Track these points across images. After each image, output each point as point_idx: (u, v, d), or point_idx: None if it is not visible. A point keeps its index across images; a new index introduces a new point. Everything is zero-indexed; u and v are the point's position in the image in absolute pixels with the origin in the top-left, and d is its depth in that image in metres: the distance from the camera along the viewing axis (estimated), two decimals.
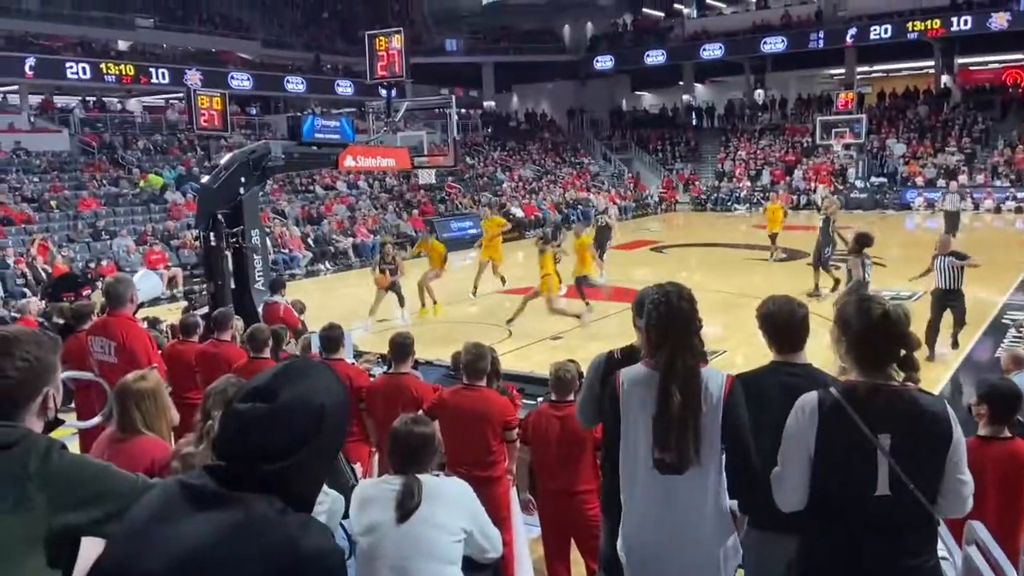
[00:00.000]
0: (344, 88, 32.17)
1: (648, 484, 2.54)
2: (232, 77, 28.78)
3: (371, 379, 5.27)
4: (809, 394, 2.29)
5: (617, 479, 2.67)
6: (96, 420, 4.26)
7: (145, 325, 6.98)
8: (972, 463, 2.35)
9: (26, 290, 14.17)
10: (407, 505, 2.58)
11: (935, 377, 8.29)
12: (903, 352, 2.24)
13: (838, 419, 2.20)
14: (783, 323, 2.81)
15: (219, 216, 8.86)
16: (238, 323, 6.70)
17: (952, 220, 18.42)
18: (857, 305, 2.31)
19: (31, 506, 1.54)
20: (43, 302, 11.01)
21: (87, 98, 26.91)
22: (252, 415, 1.34)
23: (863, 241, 9.37)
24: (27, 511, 1.53)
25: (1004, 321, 10.79)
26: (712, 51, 34.38)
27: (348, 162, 10.65)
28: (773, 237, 16.92)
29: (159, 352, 5.22)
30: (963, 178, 27.16)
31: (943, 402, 2.26)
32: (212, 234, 8.87)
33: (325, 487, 2.70)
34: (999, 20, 28.46)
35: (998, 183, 26.35)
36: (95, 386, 4.52)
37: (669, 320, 2.55)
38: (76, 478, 1.63)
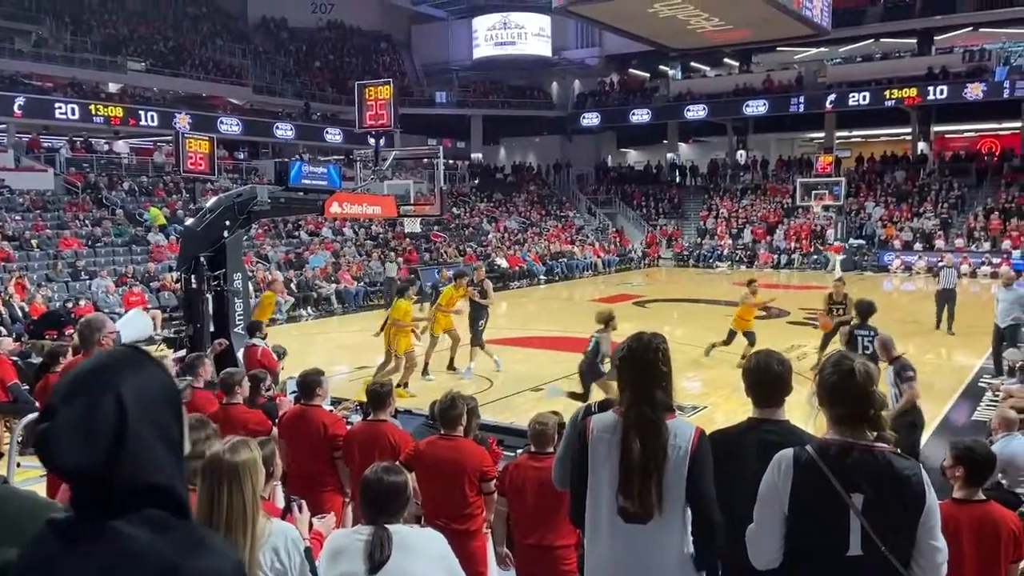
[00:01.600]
0: (333, 136, 32.48)
1: (612, 532, 2.53)
2: (221, 122, 29.00)
3: (348, 427, 5.22)
4: (786, 450, 2.31)
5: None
6: None
7: None
8: (947, 526, 2.35)
9: (1, 328, 13.96)
10: (376, 556, 2.52)
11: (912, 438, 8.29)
12: (871, 410, 2.26)
13: (812, 476, 2.21)
14: (762, 379, 2.82)
15: (201, 259, 8.84)
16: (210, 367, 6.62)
17: (945, 301, 14.86)
18: (833, 360, 2.35)
19: None
20: (23, 339, 10.86)
21: (74, 138, 26.97)
22: (43, 439, 1.17)
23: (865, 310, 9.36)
24: None
25: (980, 385, 10.87)
26: (696, 112, 35.14)
27: (334, 208, 10.69)
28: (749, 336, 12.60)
29: None
30: (940, 243, 27.67)
31: (918, 466, 2.27)
32: (193, 276, 8.83)
33: (272, 519, 2.63)
34: (974, 91, 29.37)
35: (974, 247, 26.82)
36: None
37: (633, 368, 2.58)
38: (12, 509, 1.56)
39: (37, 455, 1.22)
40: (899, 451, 2.34)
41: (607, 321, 8.93)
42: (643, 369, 2.56)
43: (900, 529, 2.17)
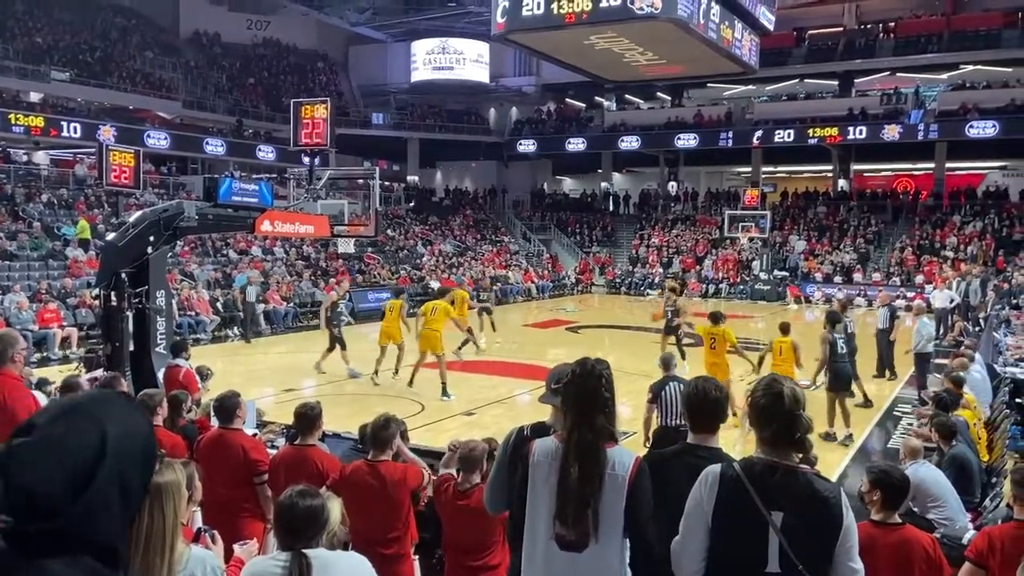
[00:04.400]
0: (266, 153, 31.93)
1: (548, 558, 2.51)
2: (149, 135, 28.19)
3: (272, 451, 5.07)
4: (713, 466, 2.37)
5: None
6: None
7: (33, 386, 6.56)
8: (864, 548, 2.41)
9: None
10: None
11: (832, 462, 8.55)
12: (797, 433, 2.32)
13: (735, 492, 2.26)
14: (697, 405, 2.87)
15: (123, 275, 8.53)
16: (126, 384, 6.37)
17: (880, 343, 13.77)
18: (764, 383, 2.42)
19: None
20: None
21: None
22: (10, 454, 1.08)
23: (833, 319, 10.07)
24: None
25: (896, 412, 11.30)
26: (629, 142, 35.90)
27: (265, 227, 10.48)
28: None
29: None
30: (858, 276, 28.79)
31: (838, 488, 2.33)
32: (114, 293, 8.51)
33: (191, 545, 2.53)
34: (891, 132, 30.84)
35: (895, 280, 27.90)
36: None
37: (575, 394, 2.57)
38: None
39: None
40: (820, 474, 2.41)
41: None
42: (586, 395, 2.55)
43: (817, 549, 2.22)
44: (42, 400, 5.02)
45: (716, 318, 10.09)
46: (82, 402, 1.20)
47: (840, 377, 9.73)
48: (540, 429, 3.14)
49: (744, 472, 2.28)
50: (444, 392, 11.63)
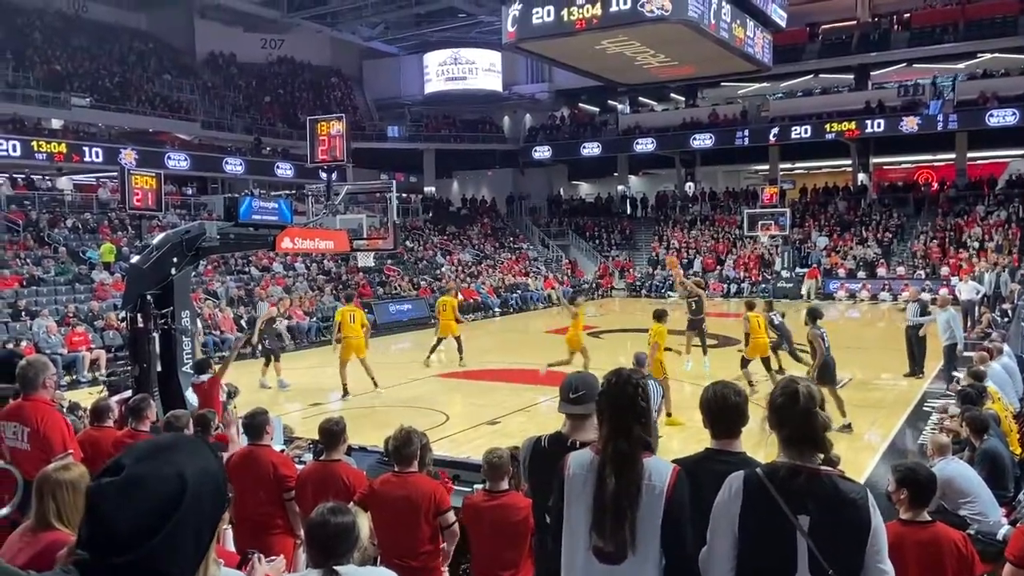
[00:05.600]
0: (284, 170, 32.23)
1: (586, 572, 2.49)
2: (169, 157, 28.57)
3: (299, 467, 5.12)
4: (737, 472, 2.35)
5: (557, 566, 2.62)
6: (4, 511, 4.01)
7: (64, 410, 6.68)
8: (893, 547, 2.39)
9: None
10: None
11: (861, 462, 8.47)
12: (814, 431, 2.31)
13: (761, 498, 2.25)
14: (718, 409, 2.82)
15: (148, 297, 8.64)
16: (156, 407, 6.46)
17: (911, 339, 13.45)
18: (781, 384, 2.41)
19: None
20: None
21: (15, 175, 26.28)
22: (100, 492, 1.18)
23: (815, 314, 10.35)
24: None
25: (925, 408, 11.16)
26: (644, 145, 35.83)
27: (286, 244, 10.57)
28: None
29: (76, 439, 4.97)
30: (881, 270, 28.50)
31: (864, 490, 2.31)
32: (139, 315, 8.63)
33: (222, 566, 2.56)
34: (909, 124, 30.53)
35: (920, 273, 27.59)
36: (8, 475, 4.27)
37: (610, 404, 2.55)
38: None
39: (87, 507, 1.20)
40: (845, 475, 2.39)
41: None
42: (622, 405, 2.54)
43: (846, 552, 2.21)
44: (74, 424, 5.10)
45: (656, 316, 10.75)
46: (166, 445, 1.28)
47: (827, 369, 9.92)
48: (556, 439, 3.13)
49: (768, 477, 2.27)
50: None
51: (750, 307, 12.28)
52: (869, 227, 31.38)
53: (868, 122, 31.27)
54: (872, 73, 34.09)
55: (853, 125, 31.50)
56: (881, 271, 28.49)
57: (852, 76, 34.34)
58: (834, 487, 2.26)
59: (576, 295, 12.46)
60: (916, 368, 13.33)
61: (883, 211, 32.33)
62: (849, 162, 35.49)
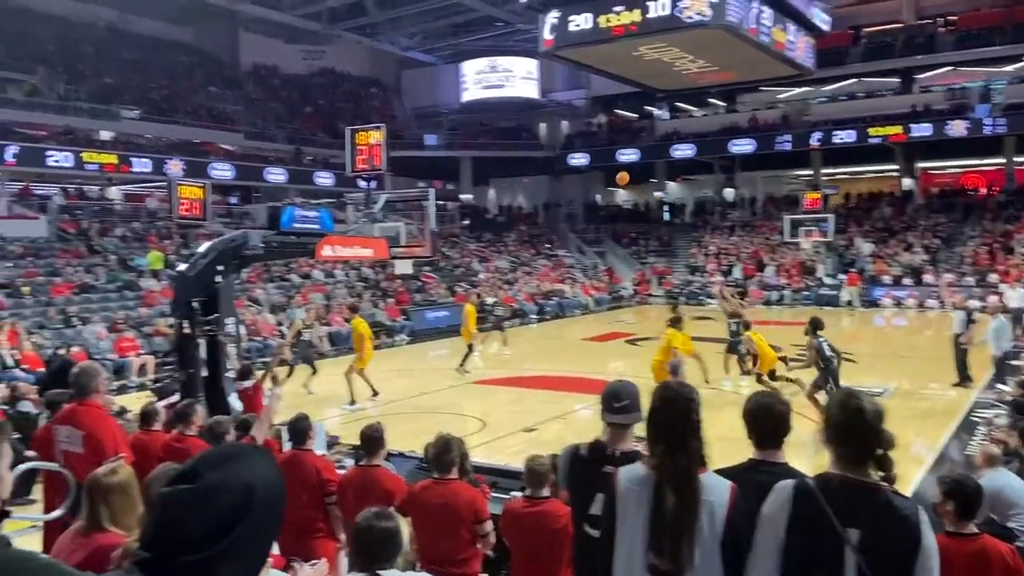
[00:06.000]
0: (324, 179, 32.69)
1: None
2: (213, 167, 29.18)
3: (341, 472, 5.19)
4: (787, 480, 2.31)
5: None
6: (58, 513, 4.14)
7: (115, 415, 6.84)
8: (941, 561, 2.35)
9: None
10: None
11: (907, 474, 8.30)
12: (878, 450, 2.26)
13: (810, 508, 2.21)
14: (761, 419, 2.80)
15: (194, 304, 8.84)
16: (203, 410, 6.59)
17: (956, 347, 13.17)
18: (838, 399, 2.35)
19: None
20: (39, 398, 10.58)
21: (67, 186, 27.07)
22: (175, 498, 1.23)
23: (816, 324, 10.64)
24: None
25: (973, 419, 10.90)
26: (683, 151, 35.57)
27: (326, 251, 10.74)
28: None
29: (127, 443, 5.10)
30: (929, 277, 27.87)
31: (916, 506, 2.25)
32: (186, 321, 8.83)
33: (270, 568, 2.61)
34: (956, 128, 29.87)
35: (968, 280, 26.93)
36: (62, 477, 4.40)
37: (666, 419, 2.51)
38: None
39: (159, 510, 1.26)
40: (898, 491, 2.32)
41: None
42: (677, 419, 2.50)
43: (896, 569, 2.16)
44: (126, 427, 5.24)
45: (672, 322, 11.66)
46: (234, 454, 1.34)
47: (830, 379, 10.20)
48: (596, 448, 3.12)
49: (819, 487, 2.23)
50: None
51: (747, 327, 12.70)
52: (915, 233, 30.74)
53: (914, 126, 30.65)
54: (917, 76, 33.41)
55: (899, 129, 30.90)
56: (928, 278, 27.88)
57: (897, 79, 33.73)
58: (887, 503, 2.21)
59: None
60: (964, 378, 13.00)
61: (930, 217, 31.65)
62: (894, 167, 34.81)
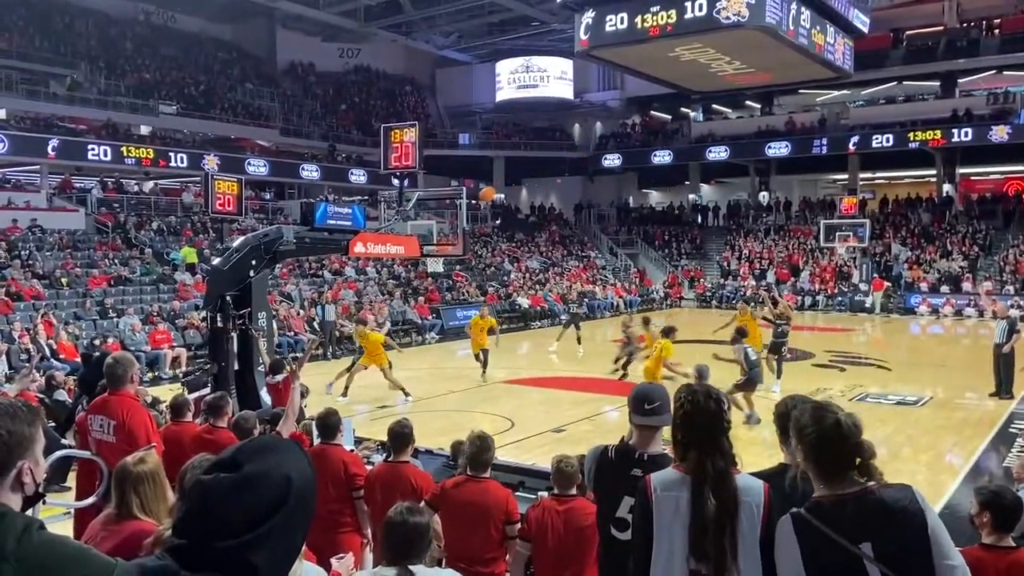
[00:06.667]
0: (357, 176, 32.94)
1: None
2: (249, 163, 29.55)
3: (369, 467, 5.21)
4: (784, 518, 2.26)
5: None
6: (90, 500, 4.21)
7: (147, 405, 6.95)
8: (976, 571, 2.28)
9: (27, 364, 14.14)
10: None
11: (941, 484, 8.13)
12: (858, 460, 2.22)
13: (815, 537, 2.17)
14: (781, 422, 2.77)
15: (227, 298, 8.95)
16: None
17: (997, 358, 12.81)
18: (811, 414, 2.29)
19: None
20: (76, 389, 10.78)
21: (105, 179, 27.60)
22: (215, 485, 1.24)
23: (741, 332, 11.43)
24: None
25: (1011, 430, 10.65)
26: (717, 153, 35.27)
27: (358, 248, 10.81)
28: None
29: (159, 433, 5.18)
30: (967, 285, 27.31)
31: (908, 490, 2.21)
32: (219, 315, 8.94)
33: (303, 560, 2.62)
34: (999, 133, 29.24)
35: (1008, 288, 26.35)
36: (95, 465, 4.48)
37: (699, 423, 2.49)
38: (52, 560, 1.50)
39: (197, 497, 1.26)
40: (884, 485, 2.25)
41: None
42: (707, 423, 2.49)
43: (916, 561, 2.13)
44: (156, 418, 5.32)
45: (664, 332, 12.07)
46: (272, 446, 1.34)
47: (752, 381, 10.97)
48: (623, 450, 3.09)
49: (813, 515, 2.19)
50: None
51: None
52: (954, 240, 30.14)
53: (955, 131, 30.07)
54: (959, 80, 32.77)
55: (938, 134, 30.34)
56: (966, 285, 27.31)
57: (938, 83, 33.11)
58: (881, 502, 2.17)
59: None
60: (1003, 388, 12.69)
61: (969, 223, 31.01)
62: (933, 172, 34.18)
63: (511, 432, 10.59)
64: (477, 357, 14.98)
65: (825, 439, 2.22)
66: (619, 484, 2.94)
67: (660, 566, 2.45)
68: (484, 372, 14.87)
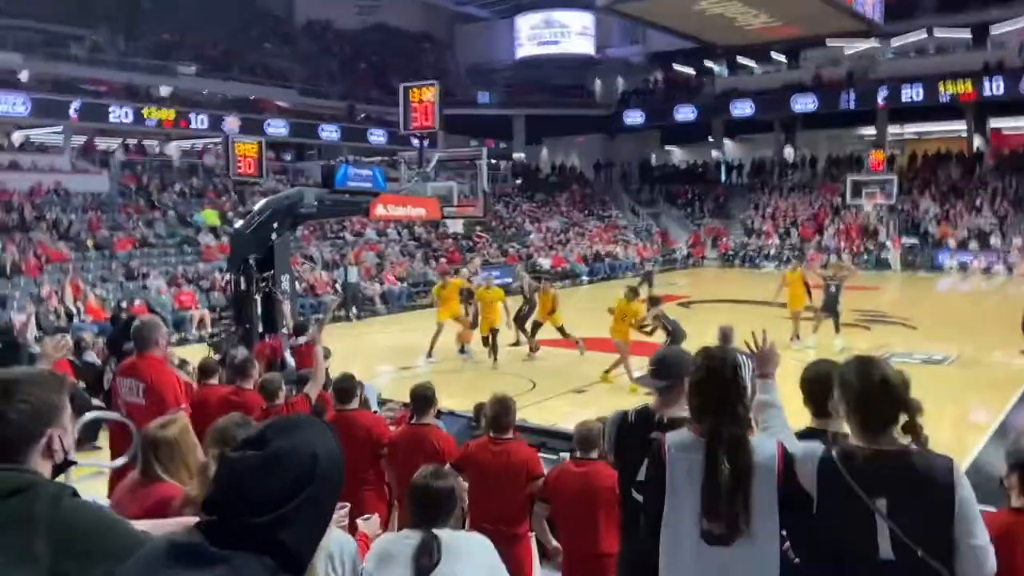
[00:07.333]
0: (377, 137, 32.79)
1: (695, 556, 2.42)
2: (268, 124, 29.48)
3: (392, 429, 5.25)
4: (816, 448, 2.29)
5: (648, 547, 2.55)
6: (121, 461, 4.29)
7: (176, 366, 7.03)
8: (1005, 536, 2.28)
9: (58, 325, 14.40)
10: (424, 562, 2.51)
11: (967, 443, 8.08)
12: (904, 417, 2.21)
13: (835, 481, 2.20)
14: (819, 389, 2.73)
15: (250, 260, 9.00)
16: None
17: None
18: (857, 368, 2.29)
19: (35, 555, 1.47)
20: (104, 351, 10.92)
21: (127, 141, 27.69)
22: (243, 463, 1.27)
23: (655, 300, 11.65)
24: (32, 561, 1.47)
25: None
26: (742, 109, 34.64)
27: (379, 210, 10.81)
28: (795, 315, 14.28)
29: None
30: (996, 241, 26.85)
31: (947, 462, 2.19)
32: (243, 278, 9.00)
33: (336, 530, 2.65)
34: None
35: None
36: (126, 427, 4.56)
37: (713, 386, 2.48)
38: (84, 528, 1.56)
39: (226, 474, 1.29)
40: (928, 451, 2.25)
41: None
42: (725, 385, 2.47)
43: (932, 529, 2.13)
44: (184, 378, 5.38)
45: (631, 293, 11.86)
46: (299, 423, 1.37)
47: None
48: (644, 415, 3.08)
49: (842, 461, 2.20)
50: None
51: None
52: (984, 196, 29.53)
53: (986, 83, 29.25)
54: (992, 31, 31.78)
55: (969, 86, 29.54)
56: (995, 242, 26.84)
57: (969, 34, 32.13)
58: (911, 465, 2.17)
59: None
60: None
61: (1001, 178, 30.34)
62: (963, 126, 33.38)
63: (532, 393, 10.64)
64: (486, 340, 12.82)
65: (872, 394, 2.22)
66: (639, 448, 2.93)
67: (671, 525, 2.47)
68: (495, 359, 12.71)
